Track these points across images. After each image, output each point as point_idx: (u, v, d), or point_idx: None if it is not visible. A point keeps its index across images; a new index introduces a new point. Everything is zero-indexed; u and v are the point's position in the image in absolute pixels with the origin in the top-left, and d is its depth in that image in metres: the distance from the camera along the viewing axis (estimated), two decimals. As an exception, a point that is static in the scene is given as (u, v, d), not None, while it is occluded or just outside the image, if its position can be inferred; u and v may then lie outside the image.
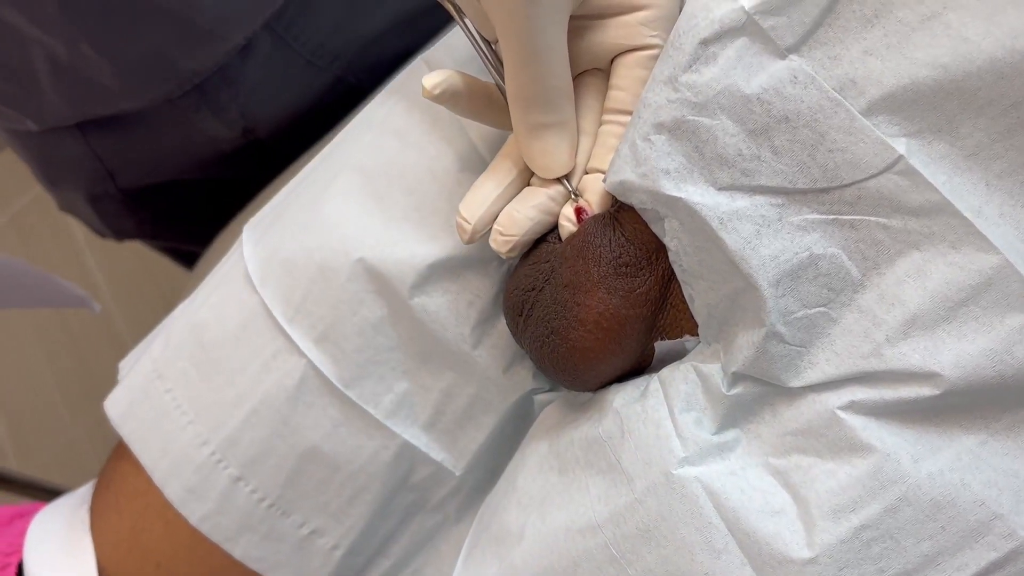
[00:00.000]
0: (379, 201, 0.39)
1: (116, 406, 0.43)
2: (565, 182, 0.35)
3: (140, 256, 1.46)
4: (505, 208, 0.35)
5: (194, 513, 0.40)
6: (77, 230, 1.52)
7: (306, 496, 0.40)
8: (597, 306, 0.33)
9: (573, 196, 0.35)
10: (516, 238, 0.35)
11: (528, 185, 0.36)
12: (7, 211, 1.59)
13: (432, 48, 0.41)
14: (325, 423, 0.40)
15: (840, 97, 0.28)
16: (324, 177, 0.41)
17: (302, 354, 0.39)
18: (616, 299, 0.33)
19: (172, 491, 0.41)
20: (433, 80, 0.33)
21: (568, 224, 0.35)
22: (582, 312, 0.33)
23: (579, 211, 0.34)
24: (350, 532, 0.41)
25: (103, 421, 0.42)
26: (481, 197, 0.35)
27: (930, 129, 0.28)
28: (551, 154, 0.34)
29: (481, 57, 0.35)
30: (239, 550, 0.41)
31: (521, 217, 0.35)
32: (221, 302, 0.42)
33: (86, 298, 0.72)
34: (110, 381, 0.45)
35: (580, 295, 0.33)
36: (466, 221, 0.35)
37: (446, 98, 0.34)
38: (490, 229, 0.35)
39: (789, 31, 0.29)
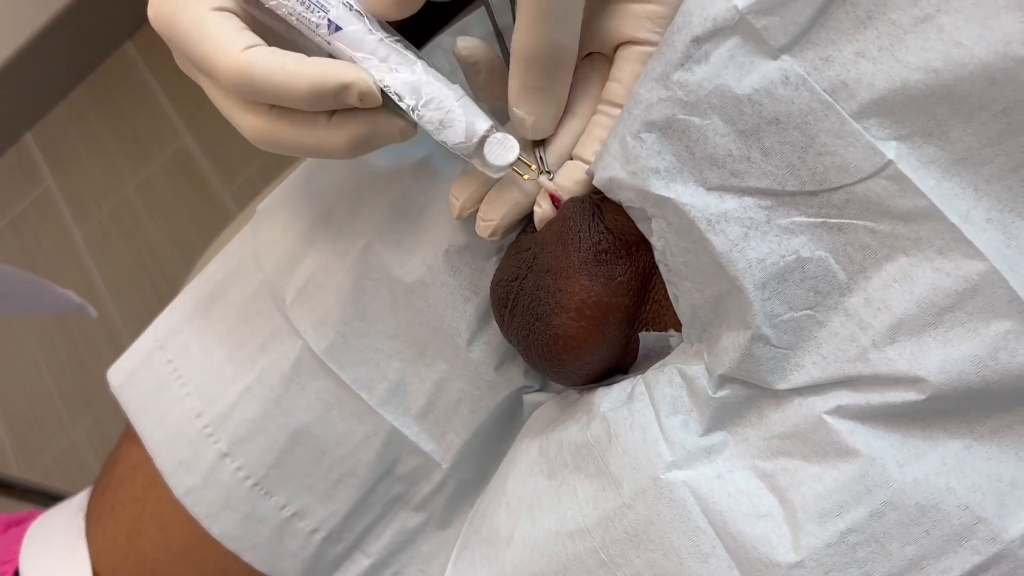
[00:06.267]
0: (387, 194, 0.40)
1: (118, 374, 0.44)
2: (540, 158, 0.35)
3: (139, 259, 1.47)
4: (488, 193, 0.36)
5: (181, 485, 0.41)
6: (76, 234, 1.52)
7: (291, 477, 0.41)
8: (579, 292, 0.33)
9: (544, 171, 0.35)
10: (495, 222, 0.35)
11: None
12: (7, 215, 1.60)
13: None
14: (317, 405, 0.40)
15: (831, 99, 0.28)
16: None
17: (299, 335, 0.40)
18: (597, 286, 0.33)
19: (163, 461, 0.41)
20: (467, 43, 0.34)
21: (539, 210, 0.35)
22: (564, 298, 0.33)
23: (552, 195, 0.35)
24: (332, 517, 0.41)
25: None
26: (473, 176, 0.36)
27: (920, 133, 0.28)
28: (534, 116, 0.34)
29: (490, 15, 0.36)
30: (217, 527, 0.41)
31: (499, 201, 0.35)
32: (227, 279, 0.42)
33: (83, 304, 0.73)
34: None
35: (562, 280, 0.33)
36: (456, 198, 0.36)
37: (470, 63, 0.35)
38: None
39: (782, 31, 0.29)
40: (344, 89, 0.31)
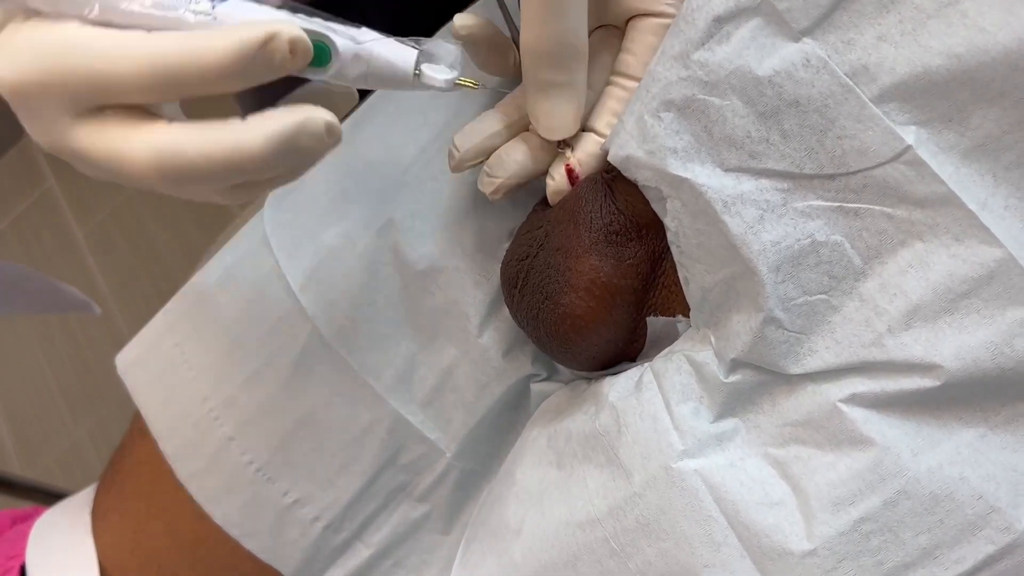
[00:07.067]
0: (399, 179, 0.40)
1: (125, 357, 0.44)
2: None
3: (141, 258, 1.47)
4: (496, 151, 0.36)
5: (185, 469, 0.40)
6: (77, 234, 1.52)
7: (295, 463, 0.40)
8: (589, 272, 0.33)
9: (561, 147, 0.35)
10: (501, 180, 0.35)
11: (527, 130, 0.36)
12: (8, 215, 1.60)
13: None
14: (324, 391, 0.40)
15: (852, 83, 0.28)
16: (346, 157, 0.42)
17: (309, 319, 0.39)
18: (607, 266, 0.33)
19: (168, 444, 0.41)
20: (464, 21, 0.34)
21: (552, 182, 0.35)
22: (574, 277, 0.33)
23: (569, 170, 0.35)
24: (334, 505, 0.41)
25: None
26: (477, 130, 0.36)
27: (940, 118, 0.28)
28: (556, 115, 0.34)
29: (500, 7, 0.35)
30: (220, 512, 0.40)
31: (509, 160, 0.35)
32: (238, 263, 0.42)
33: (88, 302, 0.73)
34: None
35: (572, 260, 0.33)
36: (456, 149, 0.36)
37: (470, 42, 0.34)
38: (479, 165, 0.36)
39: (804, 13, 0.29)
40: (272, 39, 0.26)
